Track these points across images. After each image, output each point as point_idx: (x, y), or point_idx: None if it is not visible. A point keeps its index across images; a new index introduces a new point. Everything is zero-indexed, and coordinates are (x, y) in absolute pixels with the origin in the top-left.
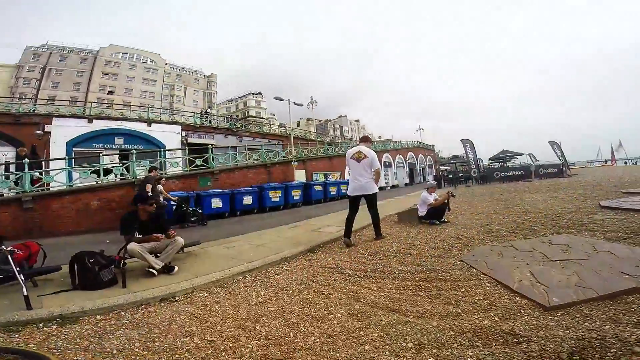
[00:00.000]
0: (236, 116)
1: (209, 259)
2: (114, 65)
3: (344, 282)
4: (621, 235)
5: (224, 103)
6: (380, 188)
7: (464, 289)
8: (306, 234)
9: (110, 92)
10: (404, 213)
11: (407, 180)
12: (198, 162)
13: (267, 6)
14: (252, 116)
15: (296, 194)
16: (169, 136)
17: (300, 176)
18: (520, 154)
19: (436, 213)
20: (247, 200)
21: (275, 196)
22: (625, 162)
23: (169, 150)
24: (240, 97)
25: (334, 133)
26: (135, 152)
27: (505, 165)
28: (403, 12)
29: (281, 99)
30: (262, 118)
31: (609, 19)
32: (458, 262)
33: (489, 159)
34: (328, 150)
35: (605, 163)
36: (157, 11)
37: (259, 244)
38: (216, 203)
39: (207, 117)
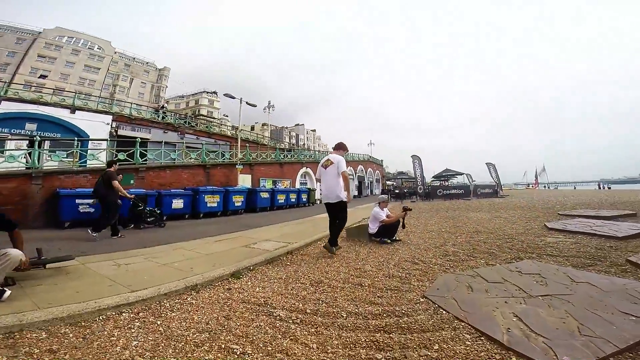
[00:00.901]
0: (185, 114)
1: (83, 280)
2: (54, 48)
3: (270, 332)
4: (585, 262)
5: (173, 99)
6: None
7: (437, 346)
8: (236, 249)
9: (43, 76)
10: (353, 229)
11: (356, 193)
12: (121, 156)
13: (237, 13)
14: (203, 115)
15: (238, 200)
16: (96, 126)
17: (245, 181)
18: (461, 174)
19: (388, 231)
20: (177, 203)
21: (212, 201)
22: (544, 186)
23: (90, 140)
24: (192, 95)
25: (290, 140)
26: (39, 138)
27: (446, 183)
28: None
29: (232, 97)
30: (213, 118)
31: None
32: (421, 300)
33: (433, 177)
34: (280, 156)
35: (529, 186)
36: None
37: (165, 263)
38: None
39: (164, 112)
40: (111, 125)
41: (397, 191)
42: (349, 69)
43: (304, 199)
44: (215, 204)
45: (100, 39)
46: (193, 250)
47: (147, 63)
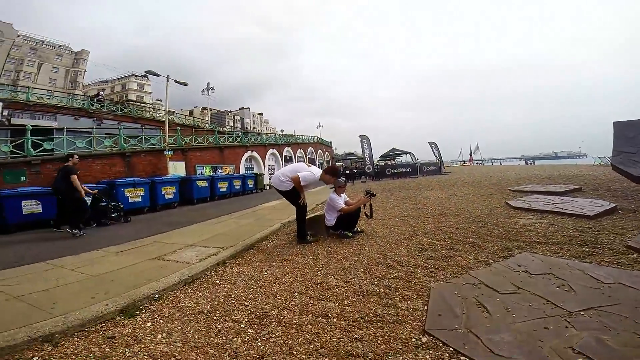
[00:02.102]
0: (110, 99)
1: None
2: None
3: None
4: (583, 251)
5: (95, 84)
6: None
7: None
8: (141, 265)
9: None
10: (308, 220)
11: None
12: (4, 148)
13: None
14: (132, 100)
15: (169, 192)
16: None
17: (178, 169)
18: (407, 152)
19: (348, 221)
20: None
21: (134, 195)
22: (477, 163)
23: None
24: (118, 79)
25: (234, 125)
26: None
27: (393, 162)
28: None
29: (157, 74)
30: (144, 103)
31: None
32: (424, 340)
33: (380, 156)
34: (219, 139)
35: (464, 163)
36: None
37: (21, 293)
38: (30, 207)
39: (100, 101)
40: (1, 113)
41: (347, 172)
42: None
43: (251, 186)
44: (140, 199)
45: None
46: (76, 270)
47: (60, 46)
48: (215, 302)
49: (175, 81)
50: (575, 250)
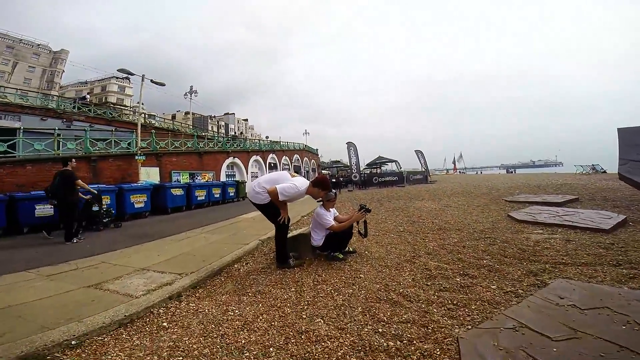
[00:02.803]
0: (90, 101)
1: None
2: None
3: None
4: (624, 273)
5: (73, 85)
6: None
7: None
8: (71, 295)
9: None
10: (289, 239)
11: None
12: None
13: None
14: (111, 103)
15: (139, 201)
16: None
17: (152, 175)
18: (393, 160)
19: (339, 240)
20: (43, 210)
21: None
22: (460, 171)
23: None
24: (98, 80)
25: (218, 130)
26: None
27: (379, 171)
28: (307, 21)
29: (131, 73)
30: (123, 106)
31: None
32: None
33: (366, 164)
34: (198, 145)
35: (447, 172)
36: None
37: None
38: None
39: (87, 104)
40: None
41: (333, 180)
42: (286, 57)
43: (232, 194)
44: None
45: None
46: None
47: (38, 45)
48: (155, 358)
49: (152, 81)
50: (613, 273)
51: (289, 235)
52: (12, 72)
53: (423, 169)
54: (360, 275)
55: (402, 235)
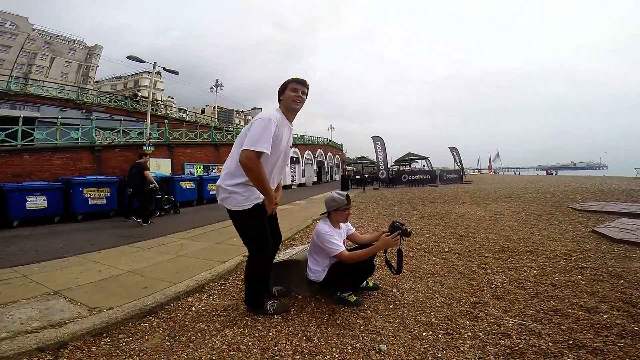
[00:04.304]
0: (123, 95)
1: None
2: None
3: None
4: None
5: (108, 80)
6: (286, 187)
7: None
8: None
9: None
10: (276, 266)
11: (315, 179)
12: None
13: None
14: (143, 97)
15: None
16: None
17: (162, 167)
18: (425, 157)
19: (349, 276)
20: (36, 202)
21: (97, 197)
22: (495, 171)
23: None
24: (132, 75)
25: (245, 124)
26: None
27: (408, 168)
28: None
29: (141, 60)
30: (155, 100)
31: (495, 44)
32: None
33: (394, 161)
34: (215, 136)
35: (480, 171)
36: None
37: None
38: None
39: (137, 101)
40: None
41: (357, 177)
42: (312, 53)
43: None
44: (104, 201)
45: (14, 15)
46: None
47: (74, 41)
48: None
49: (164, 69)
50: None
51: (275, 260)
52: (50, 66)
53: (458, 168)
54: (381, 343)
55: (449, 259)
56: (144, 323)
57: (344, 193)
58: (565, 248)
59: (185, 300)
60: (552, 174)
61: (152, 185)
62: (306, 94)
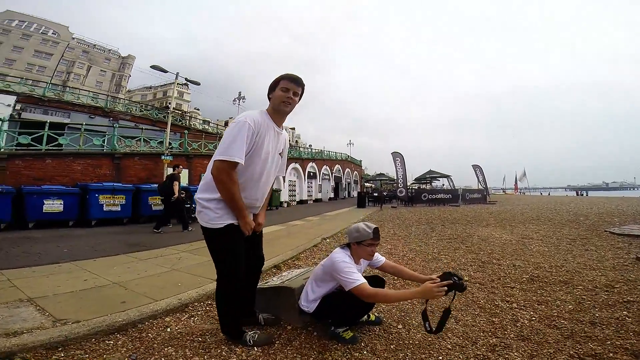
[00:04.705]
0: (152, 105)
1: None
2: (1, 33)
3: None
4: None
5: (139, 90)
6: (301, 201)
7: None
8: None
9: None
10: (265, 292)
11: (332, 195)
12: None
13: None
14: (175, 109)
15: (157, 203)
16: None
17: (182, 177)
18: (447, 176)
19: (348, 308)
20: (53, 205)
21: (111, 204)
22: (521, 192)
23: None
24: (161, 86)
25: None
26: None
27: (429, 186)
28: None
29: (164, 70)
30: (182, 111)
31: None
32: None
33: (415, 179)
34: None
35: (505, 191)
36: None
37: None
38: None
39: (168, 112)
40: (13, 106)
41: (375, 194)
42: (331, 68)
43: None
44: (119, 208)
45: (56, 24)
46: None
47: (109, 50)
48: None
49: (186, 79)
50: None
51: (267, 284)
52: (86, 75)
53: (481, 187)
54: None
55: (467, 289)
56: (108, 340)
57: (373, 226)
58: (605, 278)
59: (162, 320)
60: (582, 194)
61: (176, 196)
62: (299, 96)
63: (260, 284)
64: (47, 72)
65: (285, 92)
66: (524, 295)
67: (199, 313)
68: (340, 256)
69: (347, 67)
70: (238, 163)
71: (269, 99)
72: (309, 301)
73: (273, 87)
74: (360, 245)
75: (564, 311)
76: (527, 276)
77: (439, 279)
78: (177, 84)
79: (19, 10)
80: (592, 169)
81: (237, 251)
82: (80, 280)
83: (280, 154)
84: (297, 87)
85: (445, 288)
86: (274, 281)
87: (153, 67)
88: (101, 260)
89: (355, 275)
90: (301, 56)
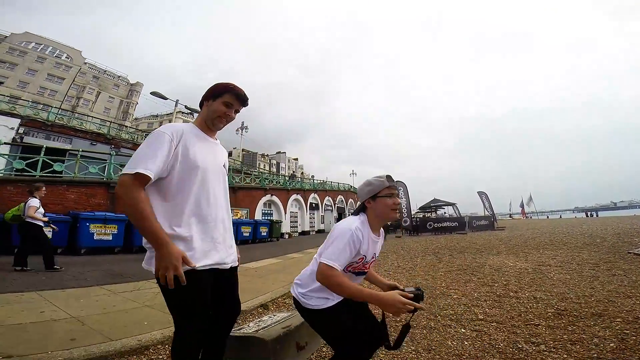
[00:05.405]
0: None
1: None
2: (18, 54)
3: None
4: None
5: (146, 118)
6: (303, 232)
7: None
8: None
9: None
10: (241, 339)
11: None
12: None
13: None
14: None
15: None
16: None
17: None
18: (452, 204)
19: (354, 343)
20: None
21: (103, 232)
22: (528, 216)
23: None
24: (167, 114)
25: (270, 169)
26: None
27: (434, 215)
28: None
29: (164, 97)
30: None
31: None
32: None
33: (419, 208)
34: (233, 179)
35: (511, 216)
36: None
37: None
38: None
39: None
40: (17, 130)
41: None
42: (334, 98)
43: (264, 233)
44: (110, 237)
45: (70, 48)
46: None
47: (118, 77)
48: None
49: (186, 107)
50: None
51: (240, 330)
52: (95, 101)
53: (488, 213)
54: None
55: (483, 330)
56: None
57: (383, 174)
58: (637, 305)
59: None
60: (591, 215)
61: None
62: (239, 112)
63: (232, 331)
64: (58, 96)
65: (228, 107)
66: (552, 333)
67: (160, 358)
68: (349, 222)
69: (350, 97)
70: (144, 176)
71: (201, 106)
72: (303, 285)
73: (213, 96)
74: (376, 200)
75: (605, 351)
76: (553, 310)
77: (407, 292)
78: (181, 112)
79: (37, 33)
80: (598, 188)
81: (199, 299)
82: (36, 313)
83: (223, 165)
84: (241, 106)
85: (413, 307)
86: (249, 328)
87: (153, 93)
88: (71, 291)
89: (341, 255)
90: (307, 87)
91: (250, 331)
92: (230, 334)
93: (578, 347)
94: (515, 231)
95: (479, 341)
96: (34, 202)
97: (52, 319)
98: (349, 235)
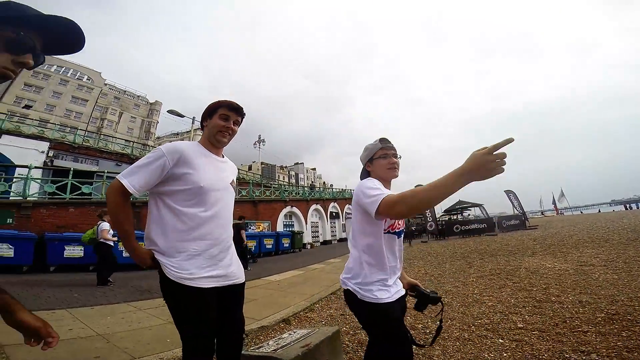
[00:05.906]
0: None
1: None
2: (42, 77)
3: None
4: None
5: (168, 136)
6: (325, 242)
7: None
8: None
9: (27, 107)
10: None
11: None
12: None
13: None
14: None
15: None
16: (26, 154)
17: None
18: (478, 205)
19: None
20: (74, 251)
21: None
22: (561, 212)
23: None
24: (186, 132)
25: (289, 180)
26: None
27: (460, 217)
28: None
29: (181, 115)
30: None
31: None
32: None
33: (444, 211)
34: (253, 192)
35: (544, 214)
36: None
37: None
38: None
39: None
40: (47, 153)
41: (403, 229)
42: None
43: (286, 245)
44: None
45: (90, 69)
46: None
47: (138, 96)
48: None
49: (201, 123)
50: None
51: (259, 349)
52: (118, 121)
53: (519, 212)
54: None
55: (524, 340)
56: None
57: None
58: None
59: None
60: (631, 207)
61: (245, 243)
62: (239, 124)
63: (250, 350)
64: (84, 118)
65: (225, 120)
66: (604, 340)
67: None
68: (366, 181)
69: (365, 103)
70: (125, 188)
71: (202, 127)
72: (348, 269)
73: (210, 114)
74: (373, 162)
75: None
76: (603, 314)
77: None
78: (200, 129)
79: (56, 55)
80: (634, 179)
81: (200, 317)
82: (65, 330)
83: (231, 183)
84: (238, 116)
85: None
86: (268, 346)
87: (170, 111)
88: (99, 308)
89: (378, 191)
90: (320, 96)
91: (269, 350)
92: (249, 353)
93: (636, 354)
94: (549, 229)
95: (520, 352)
96: (105, 225)
97: (79, 337)
98: (374, 182)
